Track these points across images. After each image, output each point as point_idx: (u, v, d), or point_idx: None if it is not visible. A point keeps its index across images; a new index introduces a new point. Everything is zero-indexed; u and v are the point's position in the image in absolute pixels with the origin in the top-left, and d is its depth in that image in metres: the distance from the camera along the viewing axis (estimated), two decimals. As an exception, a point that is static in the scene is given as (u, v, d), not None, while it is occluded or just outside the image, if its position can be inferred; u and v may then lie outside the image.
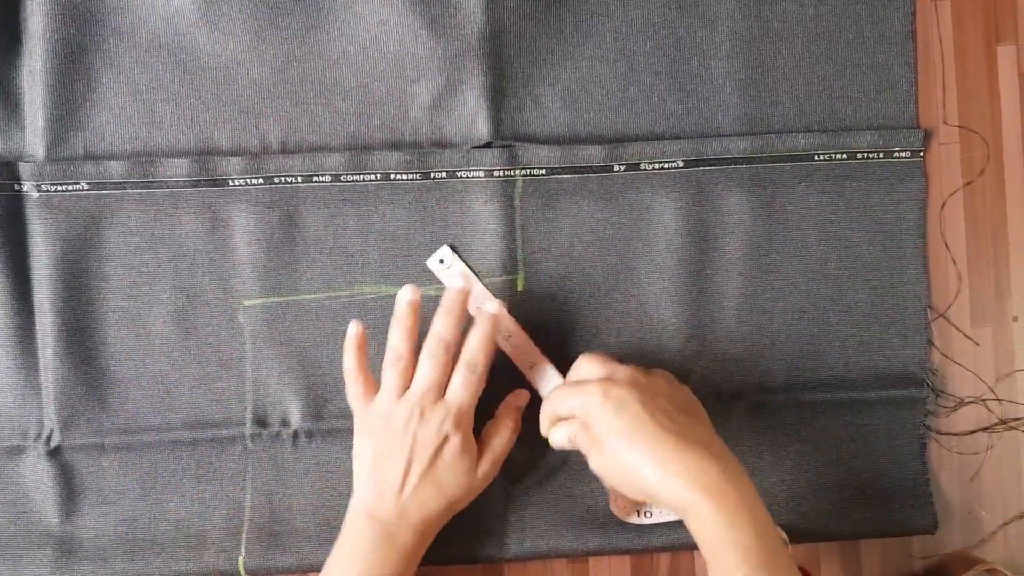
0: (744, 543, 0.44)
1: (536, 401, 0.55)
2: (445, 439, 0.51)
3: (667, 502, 0.46)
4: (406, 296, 0.52)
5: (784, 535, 0.48)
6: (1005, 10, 0.58)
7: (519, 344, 0.55)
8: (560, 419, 0.51)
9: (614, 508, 0.56)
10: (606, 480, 0.49)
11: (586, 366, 0.51)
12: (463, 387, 0.51)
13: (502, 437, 0.53)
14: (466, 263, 0.56)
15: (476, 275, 0.56)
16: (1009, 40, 0.58)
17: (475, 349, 0.51)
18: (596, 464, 0.48)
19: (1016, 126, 0.58)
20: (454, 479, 0.51)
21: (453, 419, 0.51)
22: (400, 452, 0.51)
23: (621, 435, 0.47)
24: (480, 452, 0.53)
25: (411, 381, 0.52)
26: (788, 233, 0.57)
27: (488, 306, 0.53)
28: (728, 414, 0.57)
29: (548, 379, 0.55)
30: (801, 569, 0.47)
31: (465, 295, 0.53)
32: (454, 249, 0.56)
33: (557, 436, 0.51)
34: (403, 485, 0.51)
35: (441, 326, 0.51)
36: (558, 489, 0.57)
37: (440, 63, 0.56)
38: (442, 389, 0.51)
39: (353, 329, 0.53)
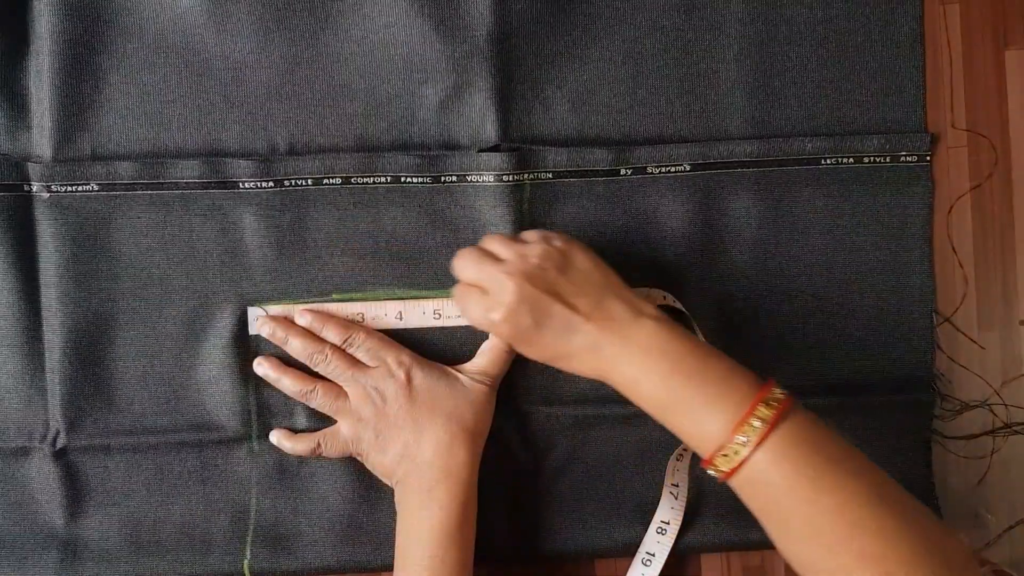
0: (651, 386, 0.46)
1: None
2: (407, 380, 0.53)
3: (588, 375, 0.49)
4: (261, 369, 0.56)
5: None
6: (1013, 14, 0.58)
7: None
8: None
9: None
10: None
11: (464, 271, 0.50)
12: (367, 351, 0.54)
13: (493, 356, 0.55)
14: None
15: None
16: (1017, 44, 0.58)
17: (334, 330, 0.55)
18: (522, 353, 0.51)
19: (1024, 130, 0.59)
20: (444, 400, 0.53)
21: (395, 364, 0.53)
22: (387, 428, 0.53)
23: (532, 351, 0.49)
24: (467, 370, 0.55)
25: (339, 392, 0.54)
26: (794, 237, 0.57)
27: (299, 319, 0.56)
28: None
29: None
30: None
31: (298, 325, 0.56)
32: (261, 305, 0.56)
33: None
34: (407, 446, 0.52)
35: (299, 347, 0.54)
36: (563, 492, 0.57)
37: (448, 65, 0.56)
38: (357, 365, 0.54)
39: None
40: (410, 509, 0.52)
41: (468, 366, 0.55)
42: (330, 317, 0.55)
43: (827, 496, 0.42)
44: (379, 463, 0.54)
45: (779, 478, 0.43)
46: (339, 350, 0.54)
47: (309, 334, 0.55)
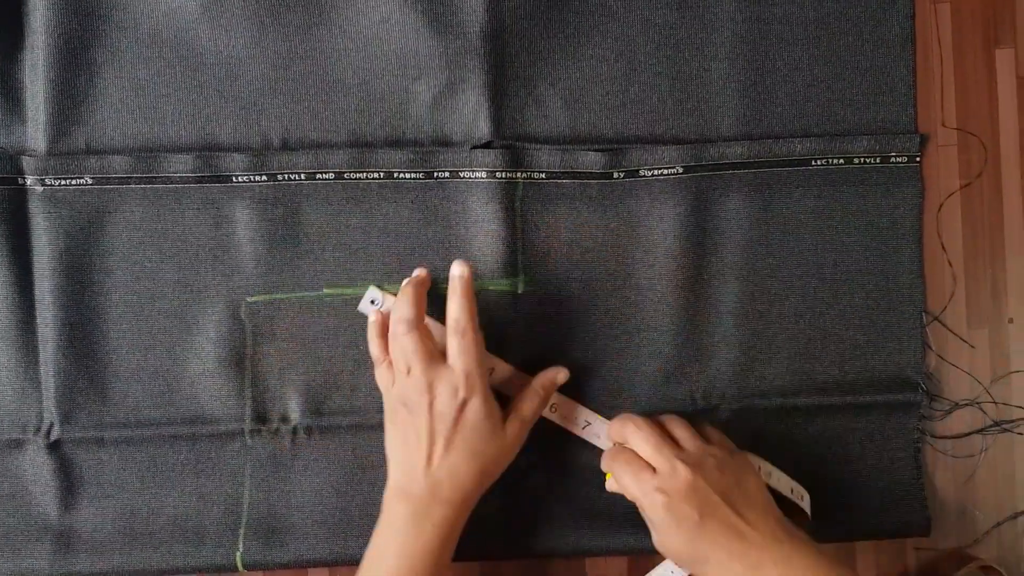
0: None
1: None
2: (463, 404, 0.51)
3: None
4: (456, 271, 0.53)
5: None
6: (1004, 13, 0.58)
7: (566, 412, 0.56)
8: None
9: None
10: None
11: (640, 443, 0.51)
12: (460, 352, 0.51)
13: (531, 402, 0.54)
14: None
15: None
16: (1007, 43, 0.59)
17: (456, 313, 0.52)
18: (660, 545, 0.51)
19: (1014, 129, 0.59)
20: (481, 441, 0.52)
21: (464, 383, 0.51)
22: (421, 427, 0.51)
23: (680, 544, 0.49)
24: (508, 415, 0.53)
25: (435, 355, 0.52)
26: (785, 238, 0.57)
27: (454, 269, 0.52)
28: (724, 418, 0.57)
29: (603, 434, 0.56)
30: None
31: (420, 283, 0.54)
32: (381, 287, 0.56)
33: (614, 488, 0.53)
34: (430, 457, 0.51)
35: (402, 310, 0.52)
36: (554, 492, 0.57)
37: (441, 61, 0.56)
38: (442, 358, 0.52)
39: (373, 317, 0.55)
40: (400, 517, 0.51)
41: (514, 408, 0.54)
42: (462, 292, 0.52)
43: None
44: (393, 445, 0.52)
45: None
46: (425, 333, 0.52)
47: (417, 302, 0.52)
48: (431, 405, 0.51)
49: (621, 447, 0.53)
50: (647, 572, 0.55)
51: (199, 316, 0.56)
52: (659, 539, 0.51)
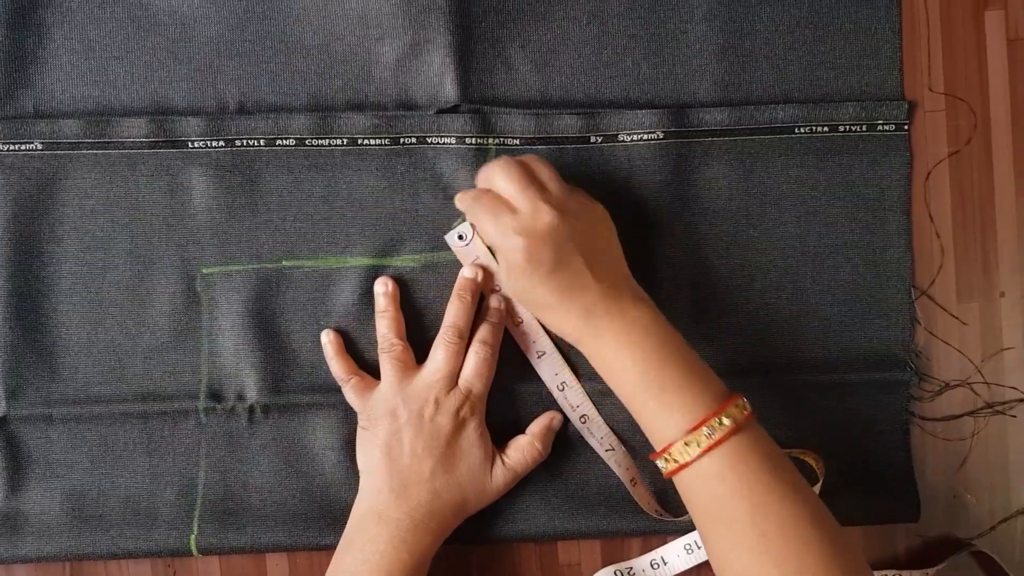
0: (632, 362, 0.47)
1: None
2: (462, 424, 0.51)
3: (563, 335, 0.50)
4: (380, 289, 0.54)
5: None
6: (993, -28, 0.57)
7: (529, 331, 0.55)
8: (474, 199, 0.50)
9: (636, 497, 0.54)
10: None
11: (504, 183, 0.49)
12: (476, 374, 0.52)
13: (525, 455, 0.53)
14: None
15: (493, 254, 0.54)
16: (998, 5, 0.57)
17: (485, 335, 0.52)
18: (506, 285, 0.51)
19: (1004, 94, 0.56)
20: (468, 471, 0.51)
21: (469, 405, 0.51)
22: (414, 440, 0.50)
23: (528, 287, 0.48)
24: (500, 462, 0.53)
25: (408, 362, 0.52)
26: (766, 209, 0.56)
27: (492, 301, 0.54)
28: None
29: (557, 370, 0.55)
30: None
31: (476, 284, 0.53)
32: (474, 228, 0.54)
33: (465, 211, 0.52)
34: (418, 477, 0.50)
35: (455, 314, 0.52)
36: (532, 471, 0.54)
37: (405, 21, 0.54)
38: (455, 376, 0.52)
39: (325, 338, 0.54)
40: (373, 541, 0.49)
41: (507, 455, 0.53)
42: (499, 321, 0.54)
43: (779, 505, 0.43)
44: (373, 457, 0.51)
45: (734, 478, 0.44)
46: (462, 349, 0.52)
47: (470, 311, 0.53)
48: (434, 419, 0.50)
49: (483, 189, 0.50)
50: (625, 558, 0.54)
51: (152, 288, 0.54)
52: (506, 280, 0.50)
